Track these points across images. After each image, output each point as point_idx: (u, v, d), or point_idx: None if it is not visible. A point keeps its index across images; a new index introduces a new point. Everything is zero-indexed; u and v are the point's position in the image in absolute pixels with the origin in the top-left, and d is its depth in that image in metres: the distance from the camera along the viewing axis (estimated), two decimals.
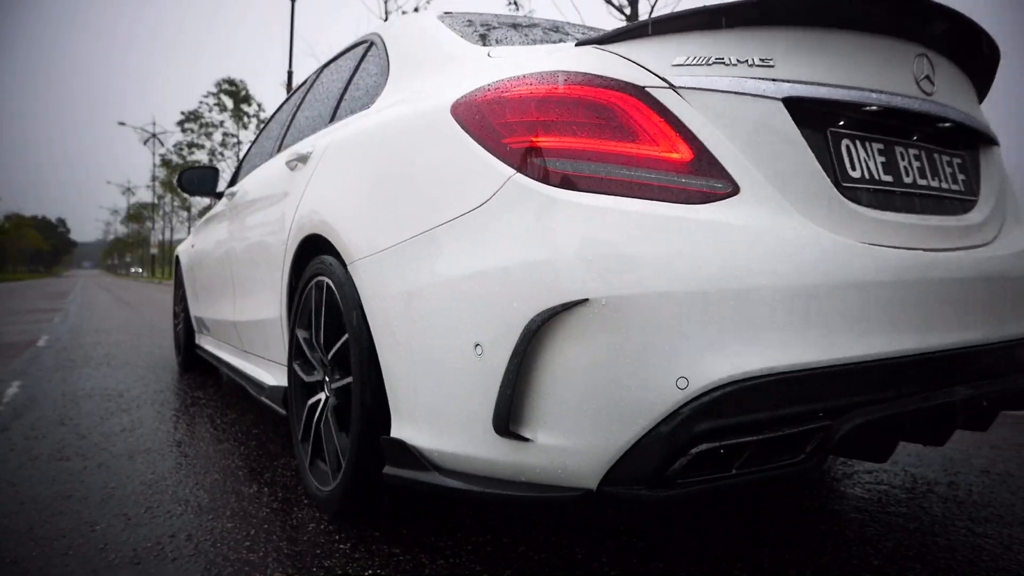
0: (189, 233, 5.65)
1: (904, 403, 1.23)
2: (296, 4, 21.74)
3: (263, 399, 2.33)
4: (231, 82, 26.94)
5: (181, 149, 29.82)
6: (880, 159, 1.37)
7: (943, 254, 1.34)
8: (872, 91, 1.33)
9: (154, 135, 54.18)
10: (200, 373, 4.30)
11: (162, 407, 3.34)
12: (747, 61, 1.24)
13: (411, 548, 1.62)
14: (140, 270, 64.45)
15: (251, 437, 2.75)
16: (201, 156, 30.00)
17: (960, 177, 1.54)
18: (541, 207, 1.15)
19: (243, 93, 26.86)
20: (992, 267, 1.42)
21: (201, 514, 1.90)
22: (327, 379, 1.80)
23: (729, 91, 1.22)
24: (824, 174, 1.26)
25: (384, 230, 1.47)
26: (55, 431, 2.87)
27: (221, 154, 28.39)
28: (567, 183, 1.15)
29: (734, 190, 1.17)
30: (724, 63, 1.23)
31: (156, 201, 55.53)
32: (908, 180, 1.40)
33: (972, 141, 1.62)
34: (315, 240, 1.84)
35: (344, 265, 1.62)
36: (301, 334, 1.93)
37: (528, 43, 1.79)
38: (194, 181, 3.53)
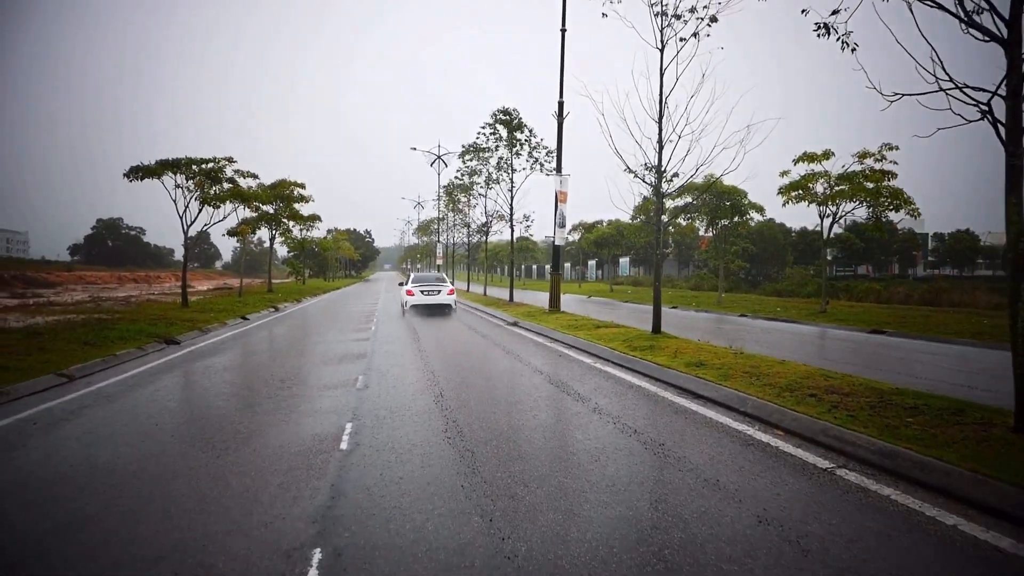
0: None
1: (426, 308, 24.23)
2: (567, 39, 21.69)
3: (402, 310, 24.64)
4: (505, 112, 28.02)
5: (463, 176, 31.91)
6: (427, 290, 23.79)
7: (431, 297, 23.56)
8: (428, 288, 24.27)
9: (439, 157, 59.67)
10: None
11: None
12: None
13: None
14: None
15: None
16: (479, 180, 31.84)
17: (438, 290, 23.74)
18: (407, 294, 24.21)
19: (516, 121, 27.79)
20: (437, 298, 23.54)
21: None
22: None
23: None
24: (423, 294, 23.62)
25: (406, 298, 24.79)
26: None
27: (497, 180, 29.77)
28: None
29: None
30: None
31: (441, 216, 60.84)
32: (430, 290, 23.65)
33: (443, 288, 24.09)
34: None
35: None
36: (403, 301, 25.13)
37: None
38: (404, 282, 26.39)
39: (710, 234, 37.23)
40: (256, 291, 40.13)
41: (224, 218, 25.27)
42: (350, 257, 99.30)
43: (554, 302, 21.92)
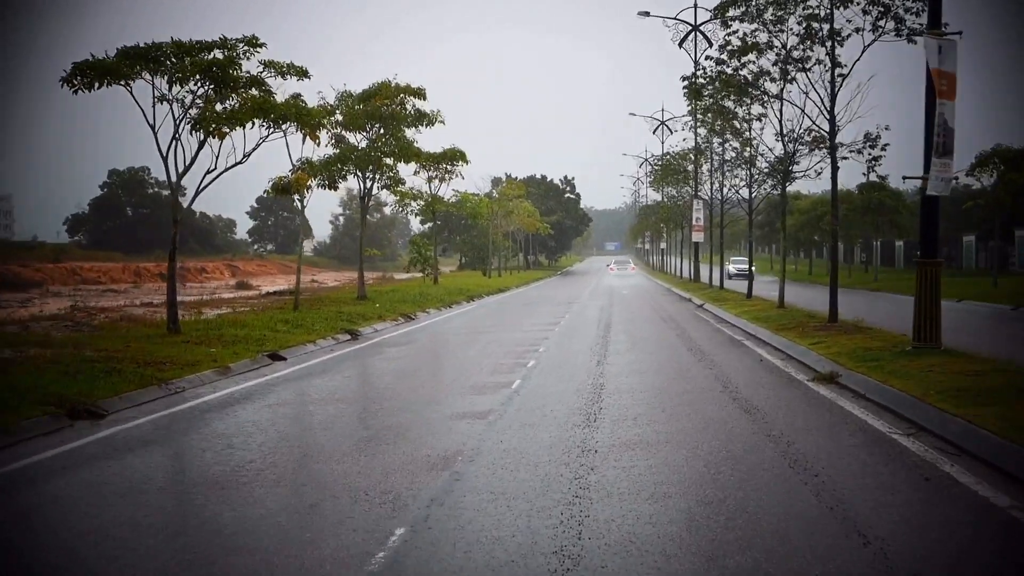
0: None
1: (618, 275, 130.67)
2: None
3: None
4: None
5: (724, 61, 29.01)
6: (619, 266, 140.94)
7: (622, 270, 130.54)
8: None
9: (696, 28, 57.32)
10: None
11: None
12: None
13: None
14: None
15: None
16: (764, 63, 29.05)
17: (625, 267, 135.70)
18: (609, 270, 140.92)
19: None
20: (624, 272, 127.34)
21: None
22: None
23: None
24: (617, 269, 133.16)
25: None
26: None
27: (802, 63, 26.56)
28: None
29: None
30: None
31: (701, 146, 57.82)
32: (621, 266, 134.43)
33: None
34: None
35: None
36: None
37: None
38: (609, 263, 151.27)
39: None
40: (340, 299, 40.28)
41: (246, 157, 24.68)
42: (532, 230, 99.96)
43: (925, 327, 18.47)
